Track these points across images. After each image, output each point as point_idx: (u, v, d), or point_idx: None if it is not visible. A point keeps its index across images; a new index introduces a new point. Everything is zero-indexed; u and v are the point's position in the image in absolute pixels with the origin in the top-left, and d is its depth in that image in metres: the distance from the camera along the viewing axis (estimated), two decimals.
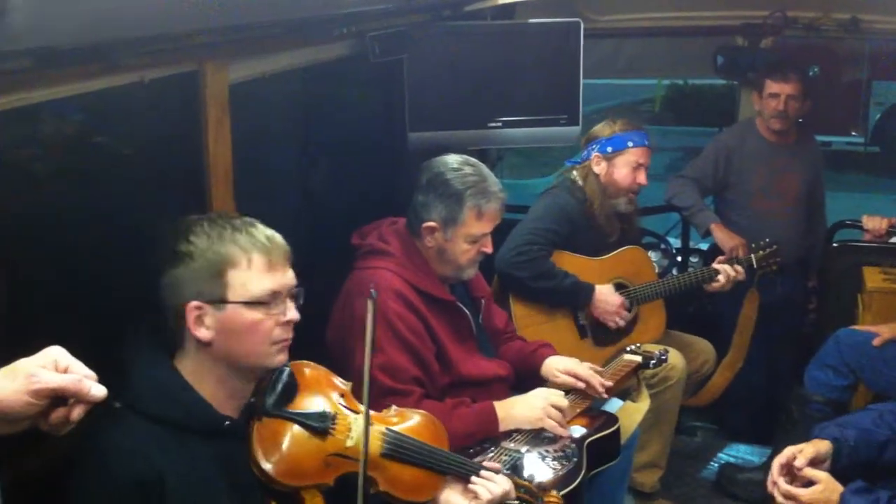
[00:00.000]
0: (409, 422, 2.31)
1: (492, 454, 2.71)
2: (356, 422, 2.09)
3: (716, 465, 4.41)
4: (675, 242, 5.32)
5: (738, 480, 4.17)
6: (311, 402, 2.10)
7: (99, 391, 1.44)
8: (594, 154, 3.90)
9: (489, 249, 2.97)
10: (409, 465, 2.21)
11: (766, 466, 3.71)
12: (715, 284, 4.00)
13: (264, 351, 2.00)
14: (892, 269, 4.19)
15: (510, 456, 2.70)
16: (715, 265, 4.04)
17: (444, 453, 2.31)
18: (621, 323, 3.82)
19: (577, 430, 2.87)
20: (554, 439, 2.80)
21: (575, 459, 2.73)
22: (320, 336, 2.89)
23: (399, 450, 2.19)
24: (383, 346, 2.71)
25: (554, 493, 2.53)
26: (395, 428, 2.24)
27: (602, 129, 3.94)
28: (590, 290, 3.76)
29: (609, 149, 3.87)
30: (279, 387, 2.06)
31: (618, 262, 3.95)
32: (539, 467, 2.68)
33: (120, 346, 2.00)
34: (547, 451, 2.75)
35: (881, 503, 2.38)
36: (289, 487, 2.00)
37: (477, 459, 2.62)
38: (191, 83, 2.45)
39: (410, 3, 3.23)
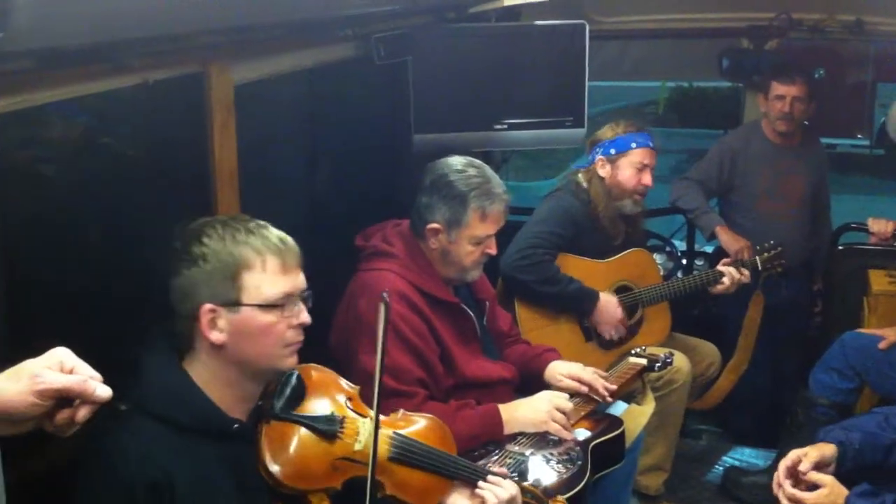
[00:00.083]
0: (416, 425, 2.31)
1: (496, 457, 2.70)
2: (364, 425, 2.09)
3: (720, 468, 4.40)
4: (680, 245, 5.32)
5: (743, 484, 4.16)
6: (320, 406, 2.10)
7: (104, 392, 1.44)
8: (598, 157, 3.89)
9: (493, 251, 2.96)
10: (416, 469, 2.20)
11: (770, 470, 3.70)
12: (720, 287, 3.99)
13: (277, 353, 2.00)
14: None
15: (514, 459, 2.69)
16: (720, 267, 4.03)
17: (452, 458, 2.30)
18: (616, 336, 3.81)
19: (582, 433, 2.86)
20: (558, 442, 2.79)
21: (579, 462, 2.72)
22: (323, 338, 2.88)
23: (407, 454, 2.18)
24: (387, 348, 2.70)
25: (560, 498, 2.52)
26: (402, 432, 2.23)
27: (606, 131, 3.94)
28: (594, 296, 3.76)
29: (613, 151, 3.87)
30: (287, 390, 2.05)
31: (623, 264, 3.94)
32: (543, 470, 2.67)
33: (125, 347, 2.00)
34: (551, 454, 2.74)
35: None
36: (296, 491, 2.00)
37: (481, 462, 2.62)
38: (195, 85, 2.45)
39: (415, 4, 3.23)
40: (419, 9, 3.39)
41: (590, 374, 3.08)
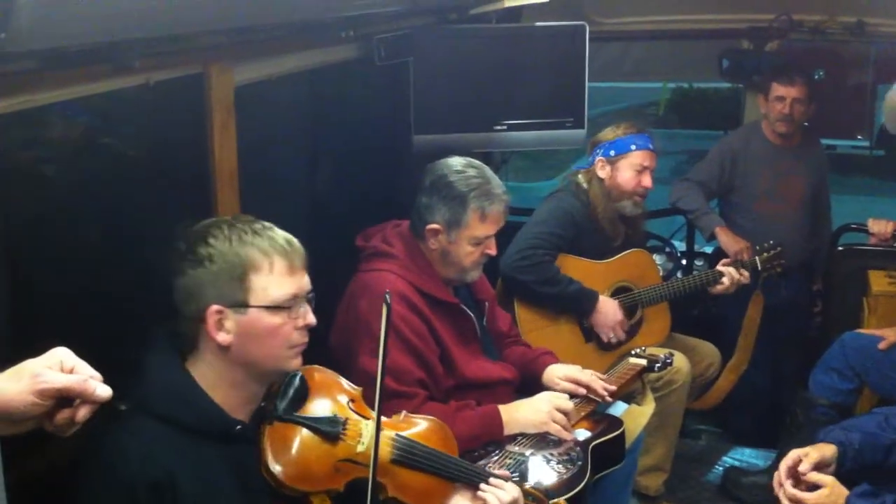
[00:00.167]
0: (418, 427, 2.31)
1: (496, 457, 2.70)
2: (367, 427, 2.09)
3: (720, 468, 4.40)
4: (680, 245, 5.32)
5: (743, 484, 4.16)
6: (322, 407, 2.10)
7: (104, 392, 1.44)
8: (598, 158, 3.90)
9: (493, 252, 2.97)
10: (418, 471, 2.20)
11: (770, 470, 3.71)
12: (719, 287, 3.99)
13: (283, 355, 2.00)
14: None
15: (515, 459, 2.69)
16: (719, 268, 4.03)
17: (454, 460, 2.30)
18: (613, 339, 3.81)
19: (582, 434, 2.86)
20: (559, 443, 2.80)
21: (580, 463, 2.72)
22: (324, 338, 2.88)
23: (409, 456, 2.18)
24: (387, 349, 2.70)
25: (562, 501, 2.52)
26: (405, 433, 2.23)
27: (607, 133, 3.94)
28: (594, 297, 3.76)
29: (612, 152, 3.87)
30: (291, 391, 2.06)
31: (623, 265, 3.94)
32: (544, 471, 2.67)
33: (125, 347, 2.00)
34: (552, 455, 2.74)
35: None
36: (298, 492, 2.00)
37: (481, 463, 2.62)
38: (196, 85, 2.45)
39: (416, 5, 3.23)
40: (420, 10, 3.40)
41: (587, 375, 3.08)
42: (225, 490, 1.92)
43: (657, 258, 4.64)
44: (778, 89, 4.49)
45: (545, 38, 3.74)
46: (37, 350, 1.45)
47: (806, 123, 4.63)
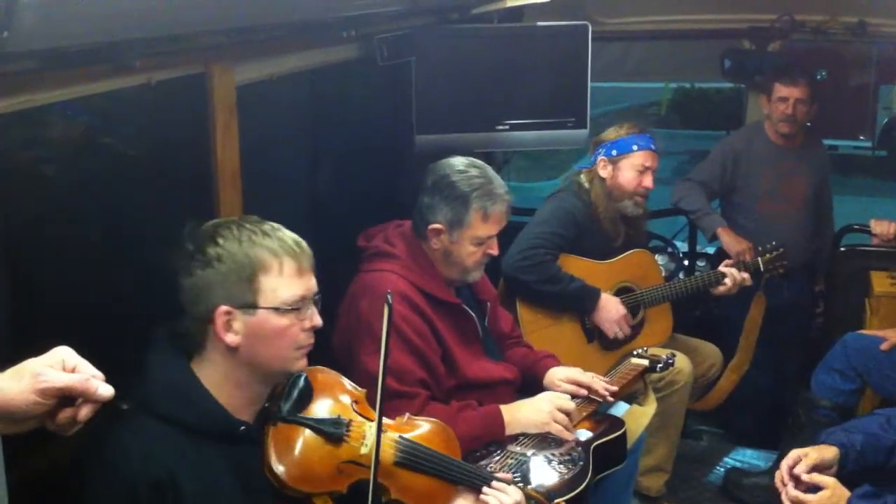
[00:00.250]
0: (421, 430, 2.30)
1: (498, 458, 2.70)
2: (370, 429, 2.08)
3: (722, 469, 4.39)
4: (682, 246, 5.31)
5: (745, 485, 4.16)
6: (326, 409, 2.10)
7: (106, 391, 1.44)
8: (600, 157, 3.90)
9: (495, 252, 2.96)
10: (421, 474, 2.20)
11: (772, 471, 3.70)
12: (721, 288, 3.99)
13: (290, 356, 2.00)
14: None
15: (516, 459, 2.69)
16: (721, 268, 4.03)
17: (457, 463, 2.30)
18: (619, 334, 3.81)
19: (584, 434, 2.86)
20: (560, 443, 2.79)
21: (581, 463, 2.72)
22: (325, 339, 2.88)
23: (412, 458, 2.18)
24: (388, 349, 2.70)
25: (562, 501, 2.52)
26: (408, 436, 2.23)
27: (609, 132, 3.94)
28: (596, 295, 3.76)
29: (614, 152, 3.87)
30: (295, 392, 2.06)
31: (625, 265, 3.94)
32: (545, 471, 2.67)
33: (126, 346, 2.00)
34: (553, 455, 2.74)
35: None
36: (301, 493, 2.00)
37: (483, 463, 2.62)
38: (198, 85, 2.45)
39: (418, 5, 3.23)
40: (422, 10, 3.40)
41: (588, 377, 3.08)
42: (227, 490, 1.92)
43: (659, 259, 4.64)
44: (781, 90, 4.48)
45: (547, 37, 3.74)
46: (38, 350, 1.45)
47: (808, 124, 4.63)
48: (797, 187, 4.64)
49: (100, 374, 1.45)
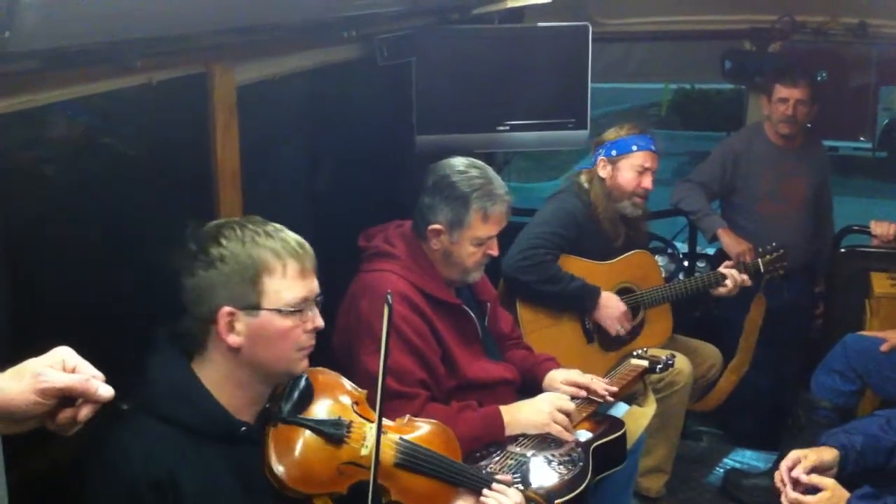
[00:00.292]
0: (422, 431, 2.30)
1: (498, 458, 2.70)
2: (371, 430, 2.08)
3: (721, 470, 4.39)
4: (682, 247, 5.31)
5: (744, 486, 4.16)
6: (327, 410, 2.10)
7: (106, 391, 1.44)
8: (600, 158, 3.90)
9: (495, 252, 2.96)
10: (422, 475, 2.19)
11: (771, 472, 3.70)
12: (722, 290, 3.99)
13: (292, 357, 2.00)
14: None
15: (516, 460, 2.69)
16: (722, 270, 4.03)
17: (458, 465, 2.30)
18: (622, 331, 3.81)
19: (584, 435, 2.86)
20: (560, 443, 2.79)
21: (581, 464, 2.72)
22: (325, 339, 2.88)
23: (413, 460, 2.18)
24: (389, 349, 2.70)
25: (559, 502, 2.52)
26: (408, 437, 2.23)
27: (610, 133, 3.94)
28: (596, 293, 3.76)
29: (614, 152, 3.87)
30: (296, 393, 2.06)
31: (625, 266, 3.94)
32: (545, 472, 2.67)
33: (127, 346, 2.00)
34: (553, 456, 2.74)
35: None
36: (301, 494, 2.00)
37: (483, 463, 2.62)
38: (198, 85, 2.45)
39: (419, 6, 3.23)
40: (422, 10, 3.40)
41: (588, 378, 3.08)
42: (227, 491, 1.92)
43: (659, 259, 4.64)
44: (781, 91, 4.48)
45: (548, 38, 3.74)
46: (38, 350, 1.45)
47: (808, 125, 4.62)
48: (797, 188, 4.64)
49: (100, 375, 1.45)
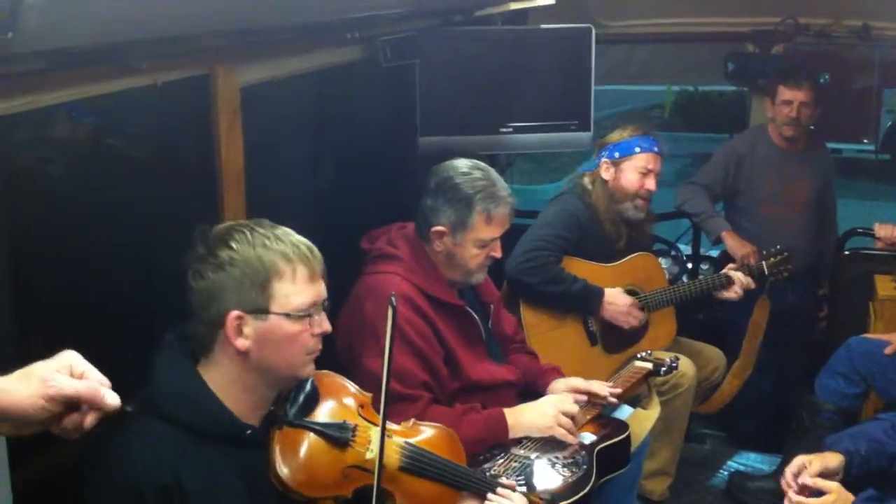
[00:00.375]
0: (427, 435, 2.30)
1: (501, 460, 2.70)
2: (376, 434, 2.07)
3: (725, 473, 4.38)
4: (686, 249, 5.30)
5: (748, 489, 4.15)
6: (332, 413, 2.09)
7: (113, 400, 1.43)
8: (603, 159, 3.90)
9: (498, 254, 2.96)
10: (426, 479, 2.19)
11: (776, 475, 3.70)
12: (727, 294, 3.98)
13: (299, 361, 2.00)
14: None
15: (520, 462, 2.69)
16: (728, 272, 4.02)
17: (462, 469, 2.30)
18: (634, 323, 3.80)
19: (588, 437, 2.86)
20: (564, 446, 2.79)
21: (585, 467, 2.71)
22: (330, 342, 2.87)
23: (418, 464, 2.18)
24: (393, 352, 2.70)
25: None
26: (413, 441, 2.23)
27: (613, 135, 3.94)
28: (599, 293, 3.75)
29: (617, 154, 3.87)
30: (301, 397, 2.05)
31: (629, 268, 3.94)
32: (549, 474, 2.67)
33: (132, 349, 1.99)
34: (557, 458, 2.74)
35: None
36: (306, 497, 1.99)
37: (486, 466, 2.62)
38: (202, 86, 2.44)
39: (422, 7, 3.22)
40: (425, 12, 3.40)
41: (590, 384, 3.07)
42: (232, 494, 1.91)
43: (663, 262, 4.63)
44: (785, 93, 4.48)
45: (551, 40, 3.74)
46: (42, 351, 1.44)
47: (812, 127, 4.62)
48: (800, 191, 4.63)
49: (107, 381, 1.45)
